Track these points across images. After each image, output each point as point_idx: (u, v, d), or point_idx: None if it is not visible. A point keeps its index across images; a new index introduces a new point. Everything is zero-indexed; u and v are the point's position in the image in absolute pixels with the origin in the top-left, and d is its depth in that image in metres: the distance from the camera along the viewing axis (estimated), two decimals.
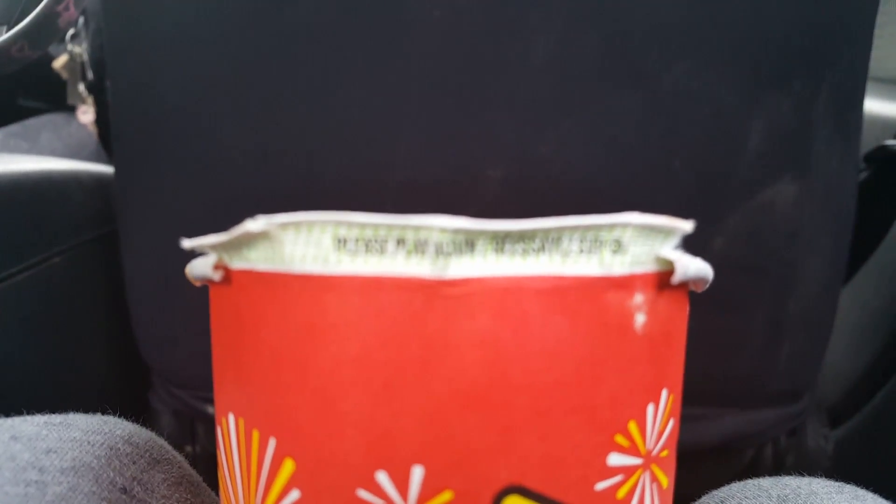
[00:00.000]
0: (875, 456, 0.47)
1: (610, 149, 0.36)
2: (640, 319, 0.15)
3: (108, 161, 0.68)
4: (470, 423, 0.13)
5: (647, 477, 0.15)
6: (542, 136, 0.36)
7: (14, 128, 0.64)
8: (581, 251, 0.14)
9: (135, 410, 0.50)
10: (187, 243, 0.15)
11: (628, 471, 0.15)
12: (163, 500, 0.20)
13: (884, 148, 0.42)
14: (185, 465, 0.23)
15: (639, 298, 0.14)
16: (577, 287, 0.14)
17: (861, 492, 0.23)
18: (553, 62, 0.35)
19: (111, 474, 0.19)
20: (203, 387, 0.45)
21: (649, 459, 0.15)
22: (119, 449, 0.20)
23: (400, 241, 0.13)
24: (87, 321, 0.46)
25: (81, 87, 0.62)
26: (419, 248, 0.13)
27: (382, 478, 0.14)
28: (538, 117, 0.35)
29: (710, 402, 0.43)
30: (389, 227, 0.13)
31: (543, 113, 0.35)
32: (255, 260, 0.14)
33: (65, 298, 0.44)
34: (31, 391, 0.42)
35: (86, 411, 0.45)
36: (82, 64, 0.61)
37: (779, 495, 0.23)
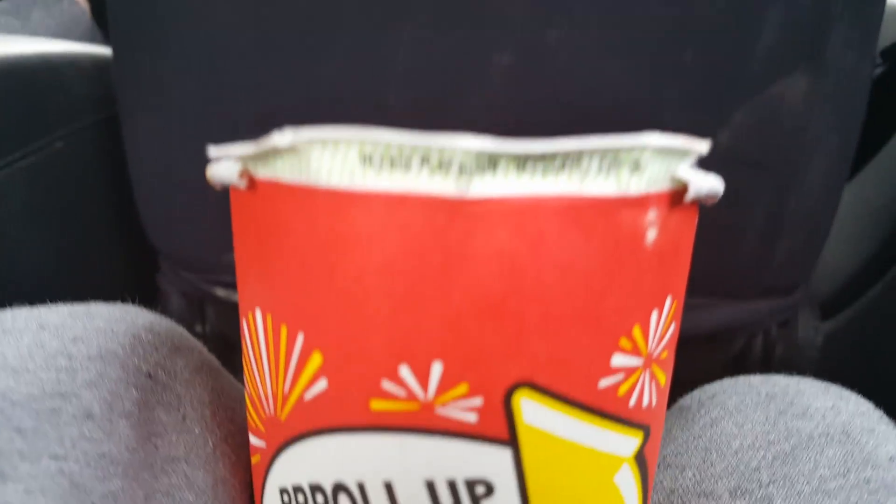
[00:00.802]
0: (863, 349, 0.48)
1: (621, 38, 0.35)
2: (651, 235, 0.15)
3: (103, 37, 0.66)
4: (485, 327, 0.14)
5: (646, 375, 0.16)
6: (552, 22, 0.35)
7: (4, 5, 0.62)
8: (600, 171, 0.14)
9: (143, 292, 0.51)
10: (213, 152, 0.16)
11: (629, 370, 0.16)
12: (185, 385, 0.21)
13: None
14: (205, 351, 0.24)
15: (652, 215, 0.15)
16: (593, 206, 0.14)
17: (846, 392, 0.24)
18: None
19: (136, 361, 0.20)
20: (210, 270, 0.46)
21: (650, 360, 0.16)
22: (142, 337, 0.21)
23: (424, 160, 0.13)
24: (93, 205, 0.46)
25: None
26: (443, 166, 0.13)
27: (405, 371, 0.15)
28: (548, 3, 0.34)
29: (705, 292, 0.44)
30: (414, 146, 0.13)
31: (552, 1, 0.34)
32: (281, 171, 0.15)
33: (70, 183, 0.44)
34: (39, 274, 0.43)
35: (94, 293, 0.47)
36: None
37: (767, 392, 0.24)
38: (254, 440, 0.19)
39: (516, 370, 0.15)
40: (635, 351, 0.16)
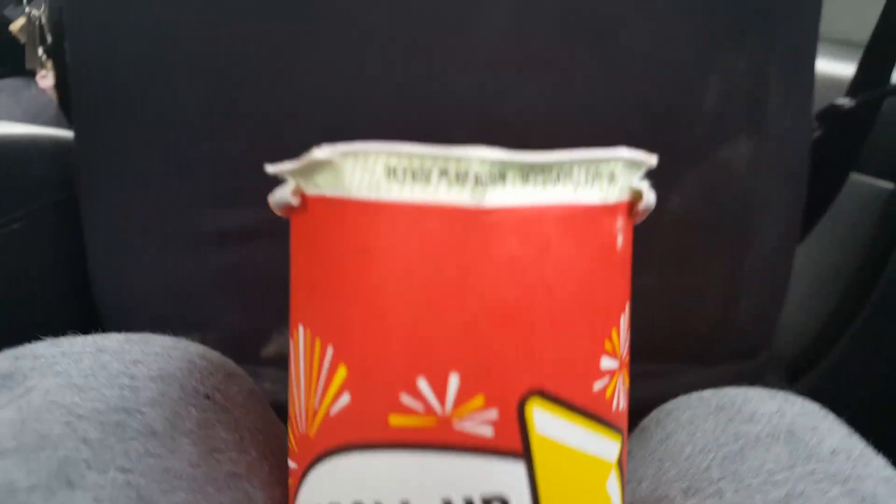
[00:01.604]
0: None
1: (570, 110, 0.36)
2: (620, 240, 0.17)
3: (69, 126, 0.67)
4: (499, 334, 0.15)
5: (620, 379, 0.18)
6: (505, 98, 0.36)
7: None
8: (587, 181, 0.16)
9: None
10: (270, 169, 0.17)
11: (612, 373, 0.17)
12: (241, 408, 0.22)
13: (835, 107, 0.43)
14: (251, 381, 0.24)
15: (620, 222, 0.17)
16: (583, 214, 0.16)
17: (792, 396, 0.25)
18: (513, 25, 0.35)
19: (194, 383, 0.21)
20: None
21: (622, 364, 0.18)
22: (196, 363, 0.22)
23: (443, 172, 0.15)
24: (47, 287, 0.45)
25: (40, 51, 0.61)
26: (460, 178, 0.15)
27: (423, 383, 0.15)
28: (500, 79, 0.36)
29: (672, 358, 0.44)
30: (434, 157, 0.15)
31: (505, 75, 0.36)
32: (323, 186, 0.16)
33: (25, 264, 0.43)
34: None
35: None
36: (41, 27, 0.60)
37: (717, 403, 0.25)
38: (290, 464, 0.19)
39: (528, 378, 0.15)
40: (614, 354, 0.17)
